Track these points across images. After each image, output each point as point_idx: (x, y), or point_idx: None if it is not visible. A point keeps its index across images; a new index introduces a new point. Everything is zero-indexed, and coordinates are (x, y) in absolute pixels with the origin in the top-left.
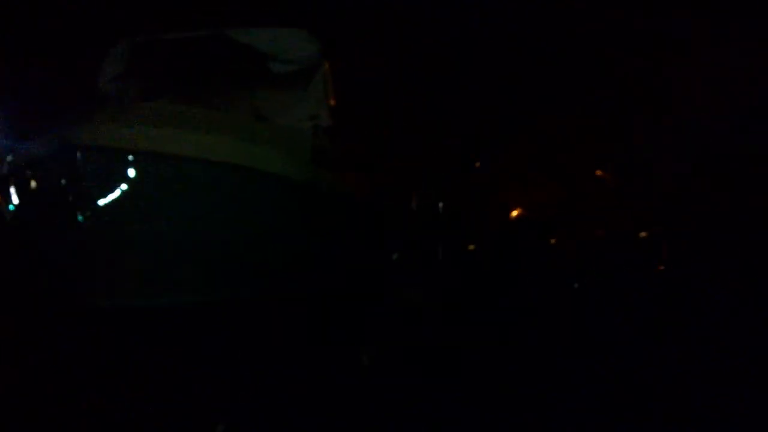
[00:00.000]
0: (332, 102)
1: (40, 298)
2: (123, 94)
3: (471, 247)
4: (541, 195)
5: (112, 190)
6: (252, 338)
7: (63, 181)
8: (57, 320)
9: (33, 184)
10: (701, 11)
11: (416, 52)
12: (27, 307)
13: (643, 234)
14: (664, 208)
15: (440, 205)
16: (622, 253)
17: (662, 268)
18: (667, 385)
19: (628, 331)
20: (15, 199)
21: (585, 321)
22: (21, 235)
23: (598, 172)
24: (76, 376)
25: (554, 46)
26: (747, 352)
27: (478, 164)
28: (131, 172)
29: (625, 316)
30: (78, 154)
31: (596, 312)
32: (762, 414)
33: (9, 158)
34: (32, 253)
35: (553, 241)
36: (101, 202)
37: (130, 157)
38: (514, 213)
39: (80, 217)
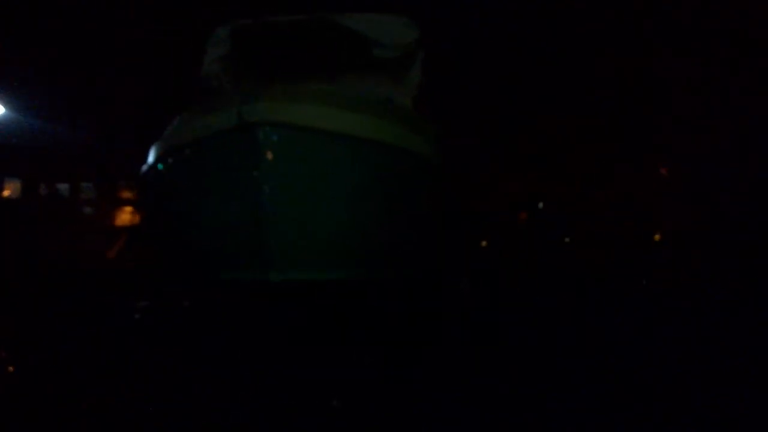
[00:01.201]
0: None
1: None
2: (225, 76)
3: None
4: (540, 194)
5: (289, 167)
6: (252, 338)
7: (238, 157)
8: (57, 320)
9: (197, 161)
10: (701, 11)
11: None
12: (27, 307)
13: (642, 234)
14: (664, 208)
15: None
16: (621, 252)
17: (662, 268)
18: (667, 385)
19: (628, 331)
20: (172, 179)
21: (585, 321)
22: (172, 214)
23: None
24: (76, 376)
25: (554, 46)
26: (747, 352)
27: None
28: (308, 150)
29: (625, 316)
30: (259, 131)
31: (596, 312)
32: (762, 414)
33: (166, 137)
34: (179, 231)
35: (552, 240)
36: (278, 177)
37: (309, 135)
38: (513, 213)
39: (258, 192)
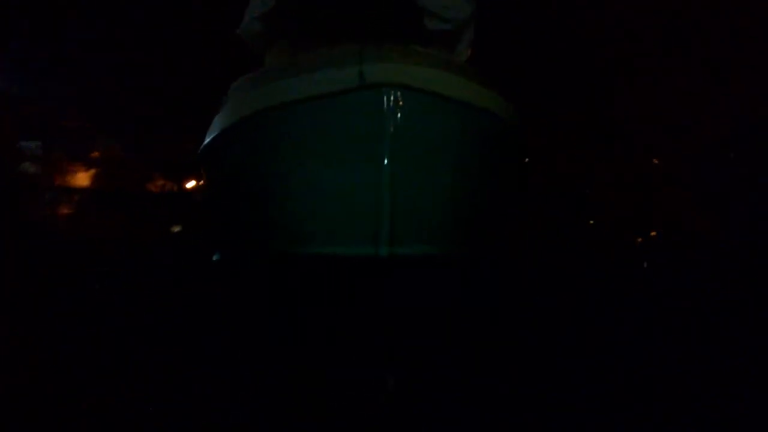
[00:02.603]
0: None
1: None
2: (266, 35)
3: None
4: (541, 191)
5: (412, 132)
6: (252, 338)
7: (356, 120)
8: (57, 320)
9: (297, 124)
10: (702, 10)
11: None
12: (27, 307)
13: (642, 233)
14: (663, 207)
15: None
16: (621, 252)
17: (661, 268)
18: (667, 385)
19: (628, 331)
20: (259, 146)
21: (585, 321)
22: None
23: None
24: (76, 376)
25: (557, 42)
26: (747, 352)
27: None
28: (432, 116)
29: (625, 316)
30: (384, 93)
31: (596, 312)
32: (762, 414)
33: (238, 103)
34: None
35: (553, 239)
36: (401, 143)
37: (433, 100)
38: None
39: (380, 158)
